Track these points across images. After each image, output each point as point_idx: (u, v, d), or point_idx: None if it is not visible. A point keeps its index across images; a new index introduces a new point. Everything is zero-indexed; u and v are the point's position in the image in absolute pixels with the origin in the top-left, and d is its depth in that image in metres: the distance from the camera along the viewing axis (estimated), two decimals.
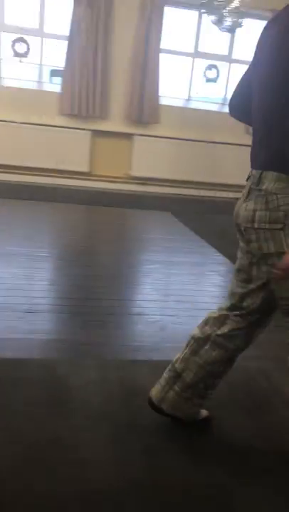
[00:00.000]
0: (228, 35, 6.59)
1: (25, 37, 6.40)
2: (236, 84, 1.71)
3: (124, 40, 6.45)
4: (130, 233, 5.08)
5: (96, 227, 5.23)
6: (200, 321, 2.80)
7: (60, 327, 2.66)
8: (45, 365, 2.17)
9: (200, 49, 6.89)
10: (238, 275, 1.67)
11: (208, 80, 6.99)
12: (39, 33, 6.48)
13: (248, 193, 1.51)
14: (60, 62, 6.49)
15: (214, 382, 1.74)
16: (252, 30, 6.69)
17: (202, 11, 6.10)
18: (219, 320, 1.70)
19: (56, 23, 6.47)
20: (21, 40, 6.39)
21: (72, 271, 3.54)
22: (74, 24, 6.28)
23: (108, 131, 6.63)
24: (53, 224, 4.98)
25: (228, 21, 5.77)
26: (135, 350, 2.42)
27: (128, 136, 6.71)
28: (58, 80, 6.65)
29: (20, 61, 6.51)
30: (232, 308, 1.68)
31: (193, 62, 6.94)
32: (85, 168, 6.66)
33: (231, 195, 6.96)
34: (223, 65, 7.01)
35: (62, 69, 6.49)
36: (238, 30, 6.08)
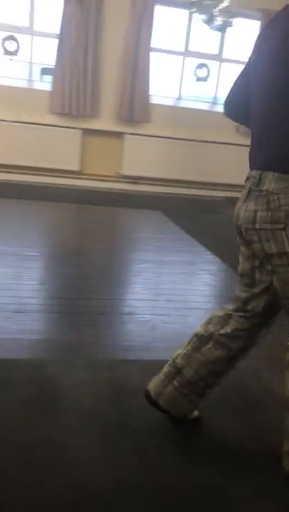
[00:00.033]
0: (218, 34, 6.60)
1: (16, 35, 6.36)
2: (232, 85, 1.71)
3: (115, 39, 6.44)
4: (121, 232, 5.07)
5: (87, 226, 5.22)
6: (190, 320, 2.83)
7: (49, 327, 2.64)
8: (35, 365, 2.15)
9: (190, 48, 6.89)
10: (242, 279, 1.67)
11: (199, 79, 6.99)
12: (29, 31, 6.44)
13: (248, 194, 1.51)
14: (50, 60, 6.46)
15: (215, 381, 1.74)
16: (242, 30, 6.71)
17: (192, 10, 6.10)
18: (223, 319, 1.69)
19: (46, 21, 6.44)
20: (11, 38, 6.34)
21: (62, 270, 3.52)
22: (64, 22, 6.25)
23: (99, 130, 6.61)
24: (43, 223, 4.96)
25: (219, 20, 5.77)
26: (126, 350, 2.41)
27: (119, 134, 6.69)
28: (48, 78, 6.61)
29: (11, 59, 6.46)
30: (236, 310, 1.68)
31: (183, 61, 6.94)
32: (75, 167, 6.64)
33: (222, 194, 6.98)
34: (213, 64, 7.02)
35: (52, 67, 6.46)
36: (228, 29, 6.09)
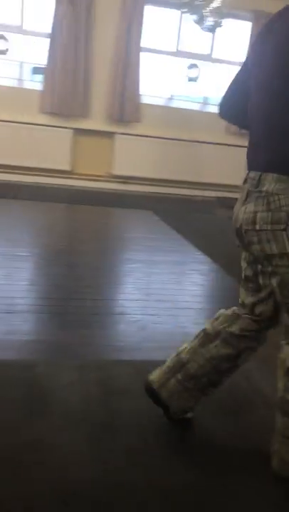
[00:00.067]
0: (209, 34, 6.61)
1: (6, 34, 6.33)
2: (228, 87, 1.70)
3: (106, 38, 6.43)
4: (112, 232, 5.06)
5: (77, 226, 5.20)
6: (181, 320, 2.84)
7: (39, 328, 2.63)
8: (24, 365, 2.14)
9: (181, 48, 6.90)
10: (246, 284, 1.67)
11: (190, 79, 7.00)
12: (20, 30, 6.41)
13: (247, 195, 1.50)
14: (41, 59, 6.44)
15: (218, 379, 1.73)
16: (233, 31, 6.73)
17: (183, 10, 6.10)
18: (231, 318, 1.69)
19: (37, 21, 6.41)
20: (2, 37, 6.32)
21: (53, 270, 3.51)
22: (56, 22, 6.24)
23: (90, 130, 6.60)
24: (34, 223, 4.94)
25: (209, 21, 5.79)
26: (115, 350, 2.41)
27: (109, 134, 6.68)
28: (39, 77, 6.59)
29: (1, 58, 6.43)
30: (244, 313, 1.68)
31: (174, 61, 6.95)
32: (66, 167, 6.62)
33: (213, 194, 7.00)
34: (204, 65, 7.03)
35: (43, 67, 6.44)
36: (219, 29, 6.10)
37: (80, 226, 5.18)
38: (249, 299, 1.66)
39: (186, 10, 6.02)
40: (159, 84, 7.05)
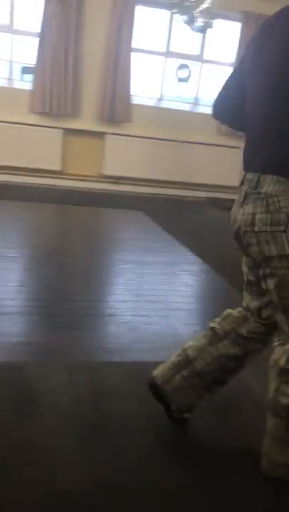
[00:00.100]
0: (199, 35, 6.62)
1: None
2: (222, 87, 1.69)
3: (96, 38, 6.41)
4: (102, 232, 5.05)
5: (68, 226, 5.18)
6: (171, 320, 2.83)
7: (29, 329, 2.61)
8: (13, 367, 2.13)
9: (172, 49, 6.90)
10: (249, 288, 1.67)
11: (180, 80, 7.01)
12: (9, 29, 6.38)
13: (245, 197, 1.50)
14: (31, 59, 6.41)
15: (224, 378, 1.74)
16: (223, 31, 6.75)
17: (173, 10, 6.11)
18: (239, 319, 1.69)
19: (27, 20, 6.38)
20: None
21: (43, 271, 3.49)
22: (45, 21, 6.21)
23: (80, 130, 6.58)
24: (24, 223, 4.91)
25: (200, 22, 5.79)
26: (106, 352, 2.40)
27: (100, 134, 6.67)
28: (29, 77, 6.56)
29: None
30: (252, 316, 1.68)
31: (165, 61, 6.95)
32: (57, 167, 6.60)
33: (204, 194, 7.01)
34: (194, 65, 7.04)
35: (33, 66, 6.41)
36: (209, 30, 6.11)
37: (70, 226, 5.16)
38: (254, 304, 1.66)
39: (176, 11, 6.03)
40: (149, 84, 7.05)
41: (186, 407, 1.77)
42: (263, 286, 1.55)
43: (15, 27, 6.38)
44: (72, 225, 5.20)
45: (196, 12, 5.72)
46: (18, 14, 6.34)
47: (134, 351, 2.41)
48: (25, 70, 6.70)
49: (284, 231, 1.40)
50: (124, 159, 6.72)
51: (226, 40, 6.92)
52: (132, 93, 6.71)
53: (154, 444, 1.74)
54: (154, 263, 4.04)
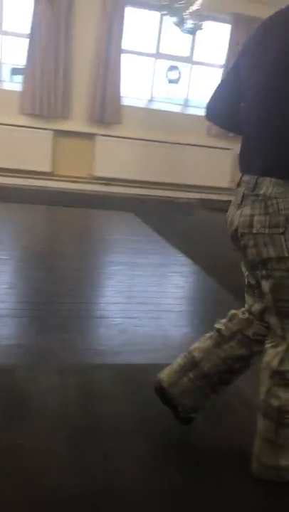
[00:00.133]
0: (189, 36, 6.63)
1: None
2: (215, 89, 1.69)
3: (86, 39, 6.41)
4: (93, 234, 5.04)
5: (58, 227, 5.17)
6: (161, 322, 2.83)
7: (19, 332, 2.59)
8: (3, 370, 2.11)
9: (162, 50, 6.91)
10: (251, 291, 1.67)
11: (170, 81, 7.02)
12: None
13: (242, 198, 1.49)
14: (20, 60, 6.38)
15: (230, 378, 1.74)
16: (213, 33, 6.77)
17: (163, 12, 6.12)
18: (244, 321, 1.69)
19: (16, 21, 6.36)
20: None
21: (33, 273, 3.47)
22: (35, 22, 6.19)
23: (70, 131, 6.57)
24: (14, 225, 4.88)
25: (189, 23, 5.81)
26: (96, 354, 2.39)
27: (90, 136, 6.66)
28: (18, 78, 6.54)
29: None
30: (255, 319, 1.67)
31: (155, 63, 6.96)
32: (47, 168, 6.58)
33: (194, 195, 7.02)
34: (184, 67, 7.05)
35: (23, 67, 6.38)
36: (199, 32, 6.13)
37: (60, 228, 5.14)
38: (256, 307, 1.65)
39: (166, 12, 6.03)
40: (139, 86, 7.05)
41: (192, 408, 1.77)
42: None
43: (4, 28, 6.36)
44: (63, 227, 5.18)
45: (186, 14, 5.73)
46: (7, 15, 6.31)
47: (125, 353, 2.40)
48: (14, 71, 6.68)
49: (283, 233, 1.40)
50: (114, 161, 6.71)
51: (215, 42, 6.95)
52: (122, 94, 6.71)
53: (145, 446, 1.73)
54: (145, 265, 4.03)
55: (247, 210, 1.47)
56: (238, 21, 6.58)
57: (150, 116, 6.88)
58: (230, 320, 1.73)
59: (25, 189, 6.26)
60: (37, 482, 1.51)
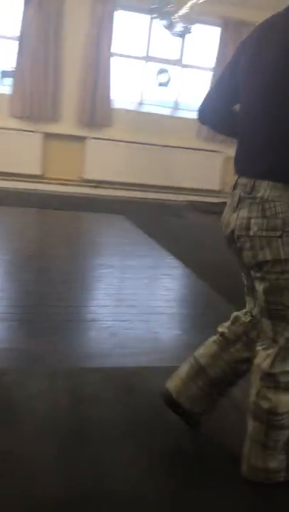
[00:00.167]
0: (179, 39, 6.66)
1: None
2: (209, 91, 1.68)
3: (76, 42, 6.41)
4: (83, 237, 5.03)
5: (48, 230, 5.15)
6: (152, 325, 2.83)
7: (9, 335, 2.58)
8: None
9: (151, 53, 6.93)
10: (251, 293, 1.67)
11: (160, 84, 7.04)
12: None
13: (239, 201, 1.49)
14: (10, 63, 6.36)
15: (235, 380, 1.74)
16: (203, 36, 6.80)
17: (153, 15, 6.13)
18: (248, 323, 1.69)
19: (6, 24, 6.34)
20: None
21: (23, 276, 3.45)
22: (24, 25, 6.18)
23: (60, 134, 6.56)
24: (3, 228, 4.86)
25: (179, 27, 5.83)
26: (86, 358, 2.38)
27: (80, 138, 6.65)
28: (8, 81, 6.52)
29: None
30: (257, 323, 1.67)
31: (145, 66, 6.97)
32: (37, 171, 6.56)
33: (184, 198, 7.03)
34: (174, 70, 7.07)
35: (12, 70, 6.37)
36: (188, 35, 6.16)
37: (51, 231, 5.12)
38: (256, 310, 1.65)
39: (155, 15, 6.06)
40: (129, 89, 7.06)
41: (202, 413, 1.77)
42: None
43: None
44: (53, 230, 5.17)
45: (176, 17, 5.76)
46: None
47: (115, 356, 2.39)
48: (4, 74, 6.66)
49: (280, 236, 1.40)
50: (104, 163, 6.71)
51: (205, 45, 6.98)
52: (112, 97, 6.72)
53: (135, 450, 1.73)
54: (135, 267, 4.03)
55: (244, 213, 1.46)
56: (228, 24, 6.62)
57: (140, 119, 6.88)
58: (233, 323, 1.73)
59: (15, 192, 6.23)
60: (25, 487, 1.50)
